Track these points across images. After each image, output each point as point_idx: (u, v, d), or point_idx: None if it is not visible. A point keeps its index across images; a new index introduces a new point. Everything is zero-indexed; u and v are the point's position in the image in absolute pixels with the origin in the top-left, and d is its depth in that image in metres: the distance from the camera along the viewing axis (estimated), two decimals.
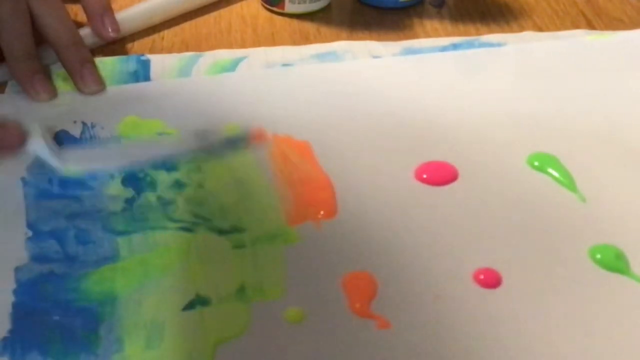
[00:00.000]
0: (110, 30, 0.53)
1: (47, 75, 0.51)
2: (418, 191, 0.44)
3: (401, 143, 0.47)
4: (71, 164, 0.46)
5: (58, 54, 0.51)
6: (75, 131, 0.48)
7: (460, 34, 0.59)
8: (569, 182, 0.45)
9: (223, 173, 0.45)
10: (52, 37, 0.51)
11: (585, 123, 0.49)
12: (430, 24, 0.60)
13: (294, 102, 0.51)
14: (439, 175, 0.45)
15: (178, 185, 0.44)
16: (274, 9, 0.61)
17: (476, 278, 0.39)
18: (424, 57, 0.55)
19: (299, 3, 0.60)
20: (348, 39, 0.58)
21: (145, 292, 0.39)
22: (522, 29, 0.59)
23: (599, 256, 0.41)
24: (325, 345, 0.36)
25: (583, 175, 0.45)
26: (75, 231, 0.42)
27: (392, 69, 0.54)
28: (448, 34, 0.59)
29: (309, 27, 0.60)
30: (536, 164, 0.46)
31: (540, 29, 0.59)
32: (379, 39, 0.58)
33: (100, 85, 0.51)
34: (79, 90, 0.51)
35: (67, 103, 0.50)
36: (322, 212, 0.43)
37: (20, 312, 0.38)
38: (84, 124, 0.48)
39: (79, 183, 0.44)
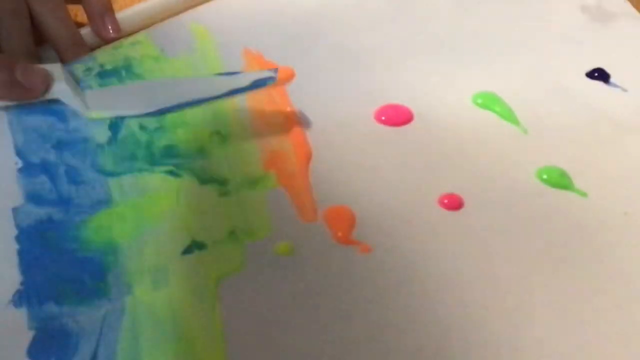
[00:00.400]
0: (111, 30, 0.53)
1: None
2: (379, 132, 0.48)
3: (361, 88, 0.51)
4: (95, 108, 0.47)
5: (59, 53, 0.52)
6: None
7: None
8: (511, 116, 0.50)
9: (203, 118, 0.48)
10: (53, 37, 0.51)
11: (519, 62, 0.54)
12: None
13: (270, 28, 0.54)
14: (397, 116, 0.49)
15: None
16: None
17: (441, 202, 0.44)
18: None
19: None
20: None
21: (143, 240, 0.42)
22: None
23: (545, 176, 0.46)
24: (316, 272, 0.40)
25: (522, 109, 0.50)
26: (65, 168, 0.44)
27: None
28: None
29: None
30: (479, 101, 0.51)
31: None
32: None
33: None
34: None
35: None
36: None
37: (28, 261, 0.40)
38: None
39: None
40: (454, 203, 0.44)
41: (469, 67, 0.53)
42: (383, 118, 0.49)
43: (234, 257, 0.41)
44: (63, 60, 0.51)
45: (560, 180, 0.46)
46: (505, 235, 0.43)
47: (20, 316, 0.38)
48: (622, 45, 0.55)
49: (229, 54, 0.52)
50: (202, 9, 0.56)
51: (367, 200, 0.44)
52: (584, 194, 0.45)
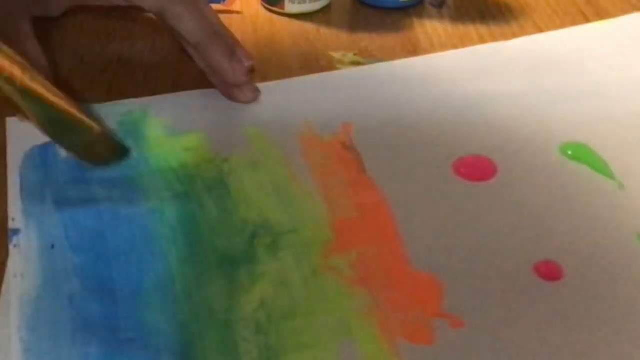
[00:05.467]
0: (250, 97, 0.51)
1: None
2: (459, 187, 0.44)
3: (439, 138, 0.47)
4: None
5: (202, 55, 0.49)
6: None
7: (460, 34, 0.59)
8: (604, 168, 0.45)
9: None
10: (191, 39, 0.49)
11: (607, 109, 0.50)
12: (430, 24, 0.60)
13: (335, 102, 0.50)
14: (478, 170, 0.45)
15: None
16: (274, 9, 0.60)
17: (537, 271, 0.39)
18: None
19: (299, 3, 0.59)
20: (348, 39, 0.58)
21: None
22: (522, 28, 0.59)
23: None
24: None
25: (616, 162, 0.45)
26: None
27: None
28: (448, 34, 0.59)
29: (309, 27, 0.59)
30: (570, 153, 0.46)
31: (540, 29, 0.59)
32: (379, 39, 0.57)
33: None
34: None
35: None
36: None
37: None
38: None
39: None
40: (552, 272, 0.39)
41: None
42: (463, 171, 0.44)
43: None
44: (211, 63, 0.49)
45: None
46: (611, 309, 0.38)
47: None
48: None
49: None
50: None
51: (454, 268, 0.39)
52: None
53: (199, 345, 0.35)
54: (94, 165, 0.44)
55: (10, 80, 0.39)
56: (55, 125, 0.42)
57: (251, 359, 0.35)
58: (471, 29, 0.59)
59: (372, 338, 0.36)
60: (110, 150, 0.45)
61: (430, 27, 0.60)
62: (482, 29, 0.59)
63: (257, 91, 0.50)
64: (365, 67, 0.54)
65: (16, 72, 0.39)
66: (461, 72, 0.53)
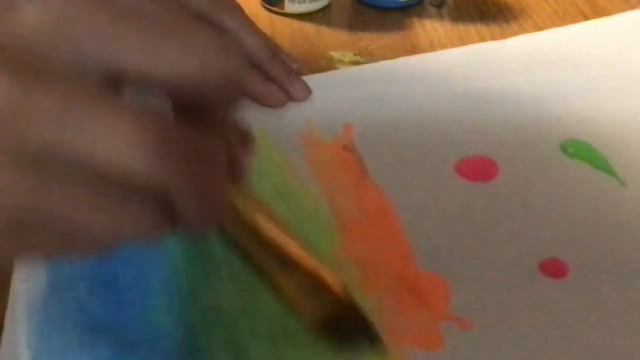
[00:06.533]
0: (301, 92, 0.51)
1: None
2: (462, 188, 0.43)
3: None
4: None
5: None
6: None
7: (460, 34, 0.58)
8: (605, 166, 0.45)
9: None
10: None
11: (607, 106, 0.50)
12: (430, 24, 0.60)
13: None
14: (481, 170, 0.45)
15: None
16: (274, 9, 0.60)
17: (543, 269, 0.39)
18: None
19: (299, 3, 0.59)
20: (348, 39, 0.58)
21: None
22: (522, 28, 0.59)
23: None
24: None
25: (617, 159, 0.45)
26: None
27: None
28: (448, 34, 0.59)
29: (309, 27, 0.59)
30: (571, 151, 0.46)
31: (540, 29, 0.59)
32: (379, 39, 0.57)
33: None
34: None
35: None
36: None
37: None
38: None
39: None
40: (558, 270, 0.39)
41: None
42: (466, 172, 0.44)
43: None
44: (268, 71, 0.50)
45: None
46: (617, 305, 0.37)
47: None
48: None
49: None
50: None
51: (460, 268, 0.39)
52: None
53: (208, 346, 0.35)
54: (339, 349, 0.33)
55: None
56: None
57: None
58: (471, 29, 0.59)
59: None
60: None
61: (430, 27, 0.59)
62: (482, 29, 0.59)
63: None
64: (365, 67, 0.54)
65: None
66: (461, 71, 0.53)
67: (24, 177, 0.21)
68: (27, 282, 0.37)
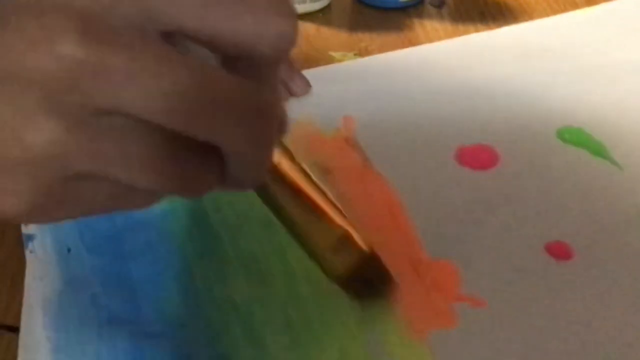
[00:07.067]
0: (301, 88, 0.50)
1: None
2: (464, 175, 0.43)
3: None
4: None
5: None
6: None
7: (460, 34, 0.59)
8: (601, 151, 0.45)
9: None
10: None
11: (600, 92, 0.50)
12: (430, 24, 0.60)
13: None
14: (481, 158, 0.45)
15: None
16: None
17: (549, 250, 0.40)
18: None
19: (299, 3, 0.59)
20: (348, 39, 0.58)
21: None
22: None
23: None
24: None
25: (612, 143, 0.46)
26: None
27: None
28: (448, 34, 0.59)
29: (309, 27, 0.59)
30: (566, 137, 0.46)
31: None
32: (379, 39, 0.57)
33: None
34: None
35: None
36: None
37: None
38: None
39: None
40: (563, 252, 0.39)
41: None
42: (466, 160, 0.44)
43: None
44: None
45: None
46: (621, 285, 0.38)
47: None
48: None
49: None
50: None
51: (467, 253, 0.39)
52: None
53: (225, 337, 0.35)
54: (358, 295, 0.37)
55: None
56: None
57: (279, 349, 0.35)
58: (471, 29, 0.59)
59: (397, 327, 0.36)
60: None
61: (430, 27, 0.60)
62: (482, 29, 0.59)
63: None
64: (362, 60, 0.54)
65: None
66: (456, 61, 0.53)
67: (84, 131, 0.22)
68: (42, 281, 0.37)
